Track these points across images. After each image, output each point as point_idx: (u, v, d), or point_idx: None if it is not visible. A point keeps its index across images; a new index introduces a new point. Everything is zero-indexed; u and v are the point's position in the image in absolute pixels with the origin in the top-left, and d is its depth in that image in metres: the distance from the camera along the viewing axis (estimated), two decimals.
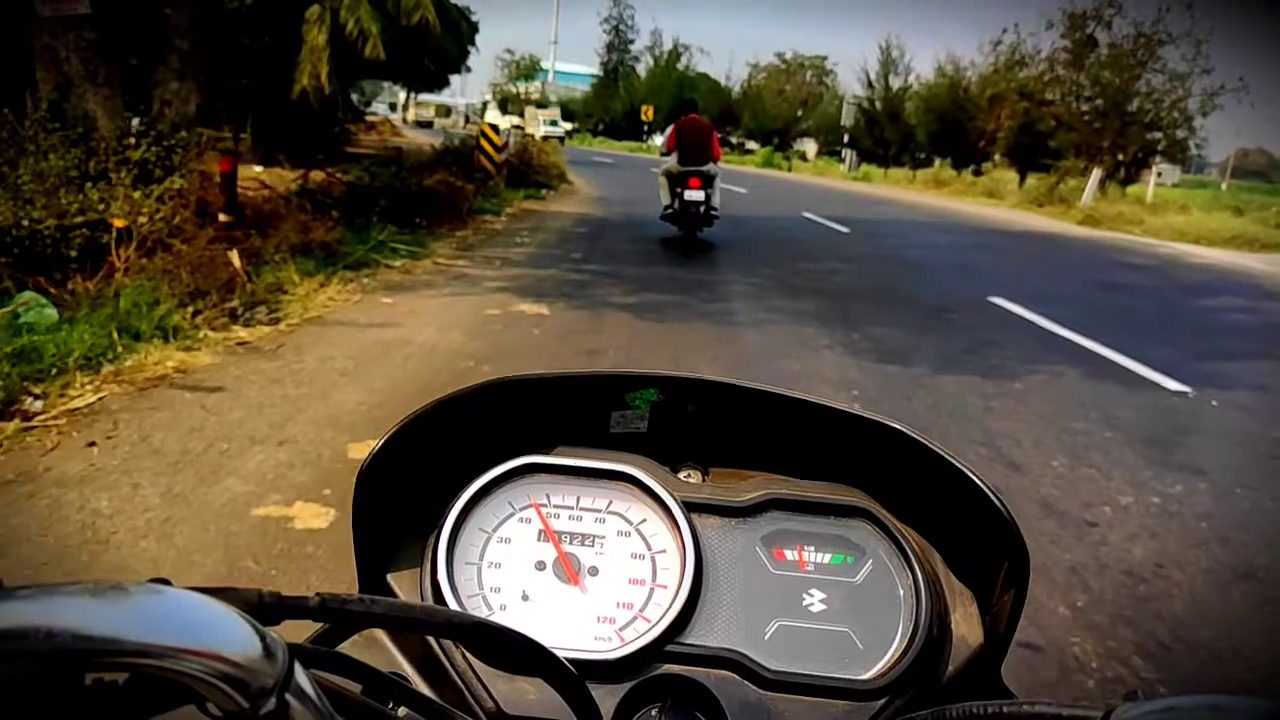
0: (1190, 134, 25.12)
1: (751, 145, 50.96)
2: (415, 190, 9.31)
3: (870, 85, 35.75)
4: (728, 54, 57.64)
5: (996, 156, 31.78)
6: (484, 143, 14.87)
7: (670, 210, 9.39)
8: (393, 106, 64.09)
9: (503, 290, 6.33)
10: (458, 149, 14.49)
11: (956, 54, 31.18)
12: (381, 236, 7.37)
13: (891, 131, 34.74)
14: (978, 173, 30.01)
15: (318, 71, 16.69)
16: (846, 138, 36.08)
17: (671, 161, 9.19)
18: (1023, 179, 27.96)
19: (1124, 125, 24.70)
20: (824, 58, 50.39)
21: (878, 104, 35.29)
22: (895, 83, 35.16)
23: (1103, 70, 25.64)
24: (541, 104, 57.23)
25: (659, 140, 10.57)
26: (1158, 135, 25.18)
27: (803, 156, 45.60)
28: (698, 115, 9.34)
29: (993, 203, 23.28)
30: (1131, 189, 25.62)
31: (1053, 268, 10.64)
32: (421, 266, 7.10)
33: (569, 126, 48.15)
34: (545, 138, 44.01)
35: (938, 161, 33.79)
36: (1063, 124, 26.51)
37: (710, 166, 9.12)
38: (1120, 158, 23.96)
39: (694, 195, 9.02)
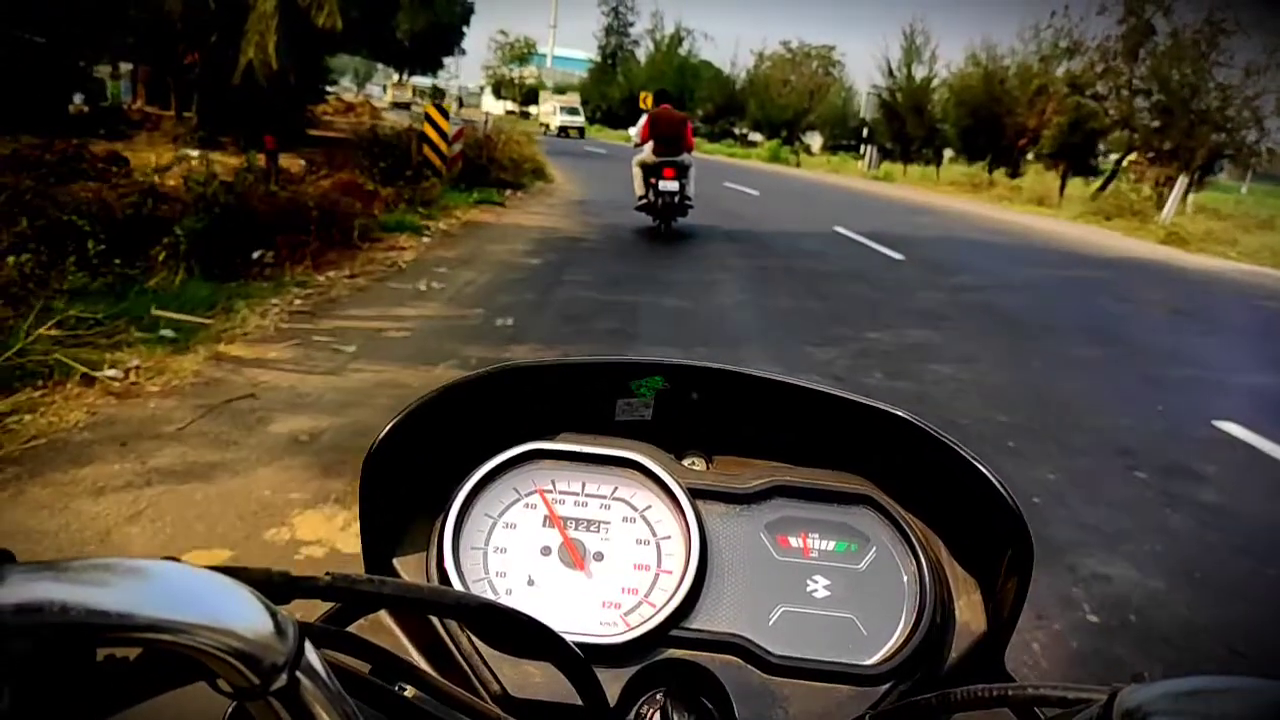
0: (1262, 135, 21.86)
1: (755, 137, 47.76)
2: (273, 205, 5.99)
3: (891, 74, 32.37)
4: (733, 40, 54.70)
5: (1029, 156, 28.58)
6: (429, 129, 11.54)
7: (645, 201, 9.34)
8: (386, 90, 61.17)
9: (277, 461, 2.97)
10: (388, 139, 11.18)
11: (992, 40, 27.85)
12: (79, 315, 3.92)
13: (914, 125, 31.38)
14: (1013, 174, 26.69)
15: (265, 43, 13.64)
16: (866, 132, 32.67)
17: (646, 152, 9.06)
18: (1064, 183, 24.71)
19: (1191, 125, 21.40)
20: (831, 48, 47.11)
21: (898, 95, 31.92)
22: (919, 72, 31.81)
23: (1164, 61, 22.35)
24: (559, 89, 53.64)
25: (633, 131, 10.11)
26: (1223, 137, 21.87)
27: (807, 150, 42.26)
28: (671, 105, 9.21)
29: (1046, 212, 19.95)
30: (1193, 197, 22.29)
31: (1239, 335, 7.36)
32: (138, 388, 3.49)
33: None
34: (562, 130, 40.95)
35: (968, 161, 30.54)
36: (1118, 121, 23.25)
37: (685, 156, 9.01)
38: (1190, 161, 20.66)
39: (668, 185, 8.94)
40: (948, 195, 23.94)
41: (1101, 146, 24.85)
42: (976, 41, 32.34)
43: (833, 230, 11.98)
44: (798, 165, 34.80)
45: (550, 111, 43.24)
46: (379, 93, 59.06)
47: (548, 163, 18.55)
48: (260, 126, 12.97)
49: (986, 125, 26.43)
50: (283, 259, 5.52)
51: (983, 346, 5.72)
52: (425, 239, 7.68)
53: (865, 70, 77.74)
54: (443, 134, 11.58)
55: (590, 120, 53.01)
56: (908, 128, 31.83)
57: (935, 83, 31.27)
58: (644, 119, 9.18)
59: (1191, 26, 22.19)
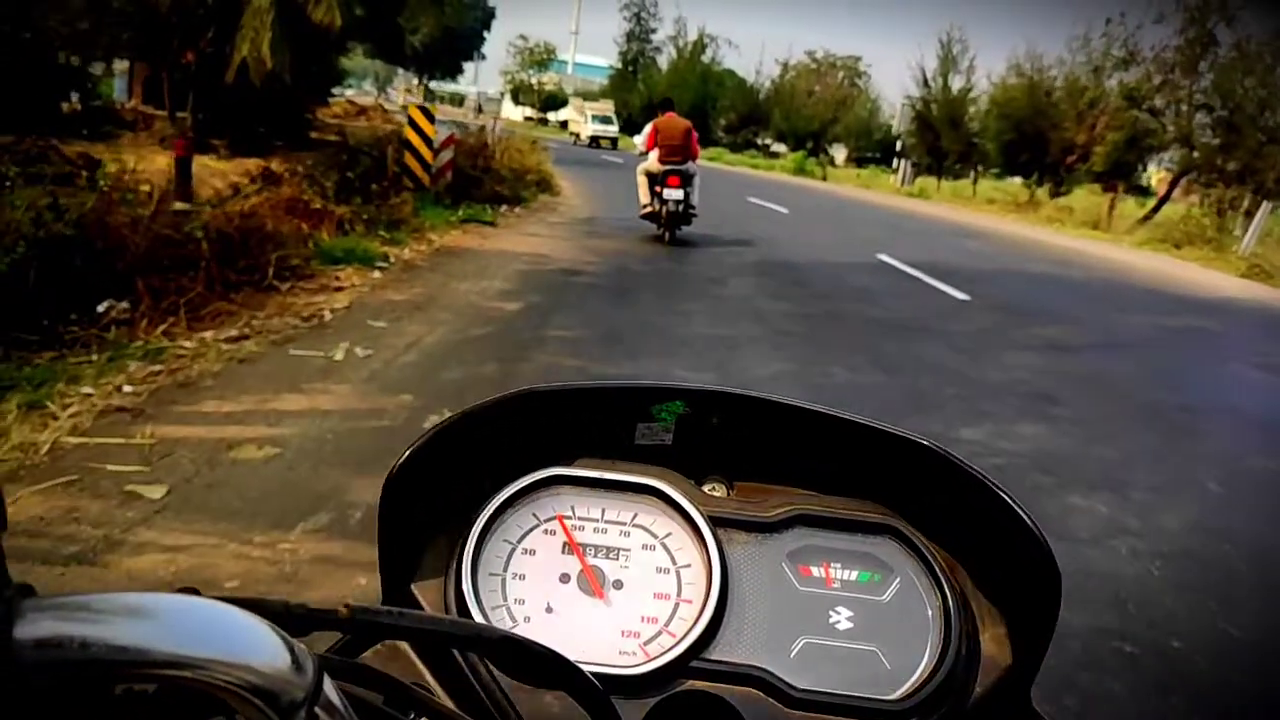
0: None
1: (778, 148, 46.13)
2: (150, 235, 4.38)
3: (926, 84, 30.62)
4: (758, 48, 53.11)
5: (1075, 174, 26.71)
6: (411, 135, 9.98)
7: (649, 209, 9.27)
8: (428, 93, 60.25)
9: None
10: (362, 145, 9.66)
11: (1036, 49, 25.94)
12: None
13: (950, 139, 29.61)
14: (1057, 193, 24.85)
15: (259, 40, 12.22)
16: (899, 145, 30.92)
17: (651, 160, 8.99)
18: (1113, 204, 22.89)
19: (1260, 144, 19.55)
20: (858, 58, 45.52)
21: (933, 107, 30.17)
22: (956, 83, 30.06)
23: (1228, 74, 20.53)
24: (580, 96, 51.93)
25: (639, 139, 10.34)
26: None
27: (831, 162, 40.51)
28: (675, 113, 9.14)
29: (1103, 237, 18.13)
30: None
31: None
32: None
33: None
34: (594, 140, 37.98)
35: (1008, 177, 28.75)
36: (1176, 139, 21.40)
37: (689, 165, 8.94)
38: (1261, 184, 18.80)
39: (673, 194, 8.87)
40: (990, 215, 22.17)
41: (1149, 165, 22.96)
42: (1019, 51, 30.61)
43: (877, 259, 10.30)
44: (823, 178, 33.06)
45: (581, 120, 41.12)
46: (395, 96, 58.06)
47: (555, 173, 17.01)
48: (256, 128, 11.93)
49: (1031, 140, 24.61)
50: (143, 313, 3.92)
51: (1125, 454, 4.03)
52: (377, 273, 6.08)
53: (892, 81, 76.13)
54: (427, 140, 10.01)
55: None
56: (942, 141, 30.05)
57: (973, 94, 29.57)
58: (649, 127, 9.16)
59: (1257, 38, 20.45)
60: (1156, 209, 21.67)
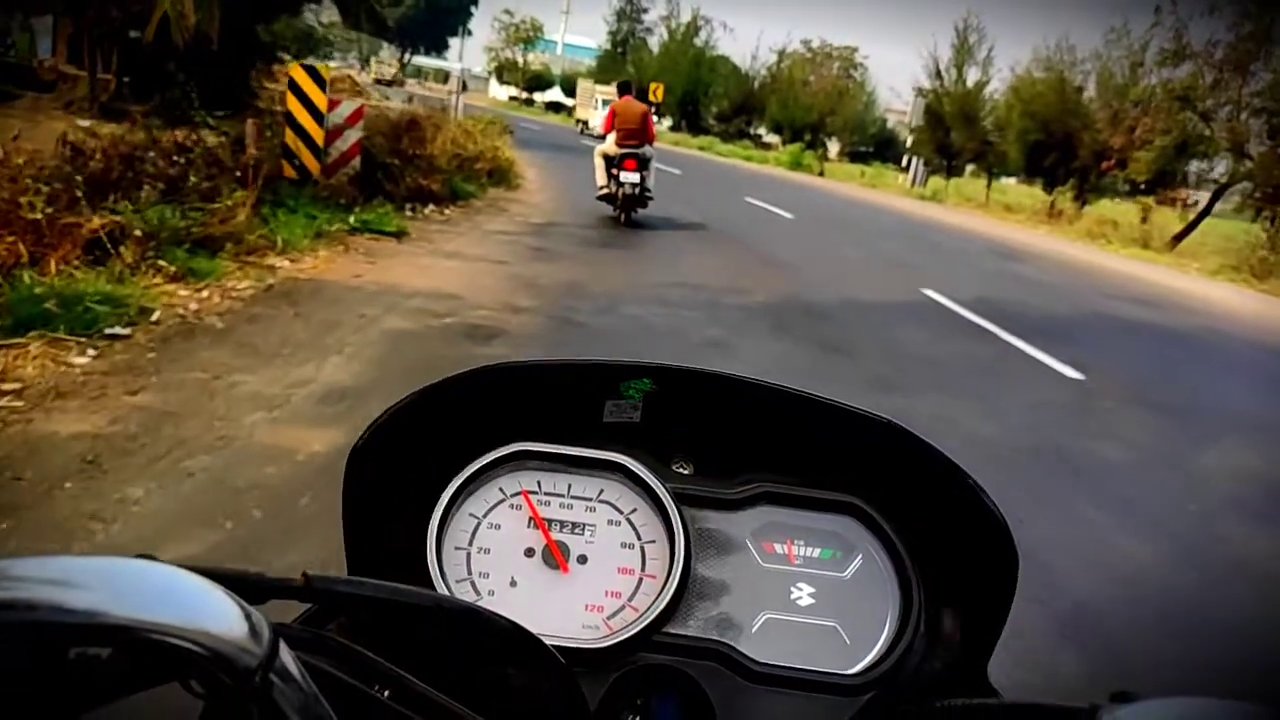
0: None
1: (770, 139, 43.47)
2: None
3: (938, 76, 27.97)
4: (755, 34, 50.04)
5: (1104, 180, 24.19)
6: (294, 105, 7.18)
7: (605, 191, 9.30)
8: (402, 67, 57.06)
9: None
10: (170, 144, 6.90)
11: (1066, 41, 23.26)
12: None
13: (962, 136, 27.05)
14: (1082, 199, 22.30)
15: None
16: (910, 141, 28.25)
17: (608, 143, 9.08)
18: (1146, 216, 20.40)
19: None
20: (854, 49, 42.92)
21: (945, 101, 27.56)
22: (971, 76, 27.44)
23: None
24: (566, 78, 48.36)
25: (596, 122, 10.91)
26: None
27: (825, 156, 37.71)
28: (633, 97, 9.28)
29: (1163, 260, 15.54)
30: None
31: None
32: None
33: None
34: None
35: (1024, 180, 26.18)
36: (1229, 146, 18.86)
37: (646, 149, 9.01)
38: None
39: (629, 177, 8.90)
40: (1017, 226, 19.58)
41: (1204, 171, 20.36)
42: (1049, 42, 28.01)
43: (923, 296, 7.64)
44: (820, 174, 30.34)
45: (591, 105, 37.57)
46: (377, 70, 54.85)
47: (522, 161, 14.20)
48: (187, 94, 9.91)
49: (1059, 142, 22.02)
50: None
51: None
52: (79, 360, 3.26)
53: (890, 74, 73.08)
54: (316, 114, 7.21)
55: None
56: (953, 138, 27.47)
57: (990, 87, 26.96)
58: (607, 110, 9.33)
59: None
60: (1195, 224, 19.19)
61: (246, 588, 0.34)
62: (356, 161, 7.78)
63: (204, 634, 0.27)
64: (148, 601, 0.27)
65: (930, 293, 7.83)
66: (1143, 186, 19.86)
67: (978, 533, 0.61)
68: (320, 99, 7.21)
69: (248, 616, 0.29)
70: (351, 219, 6.62)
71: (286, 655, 0.30)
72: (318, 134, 7.24)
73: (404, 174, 8.35)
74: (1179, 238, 18.18)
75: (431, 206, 8.43)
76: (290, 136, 7.20)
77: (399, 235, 6.75)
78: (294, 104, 7.18)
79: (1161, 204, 21.19)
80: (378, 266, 5.62)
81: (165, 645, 0.27)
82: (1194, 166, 20.46)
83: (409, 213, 8.03)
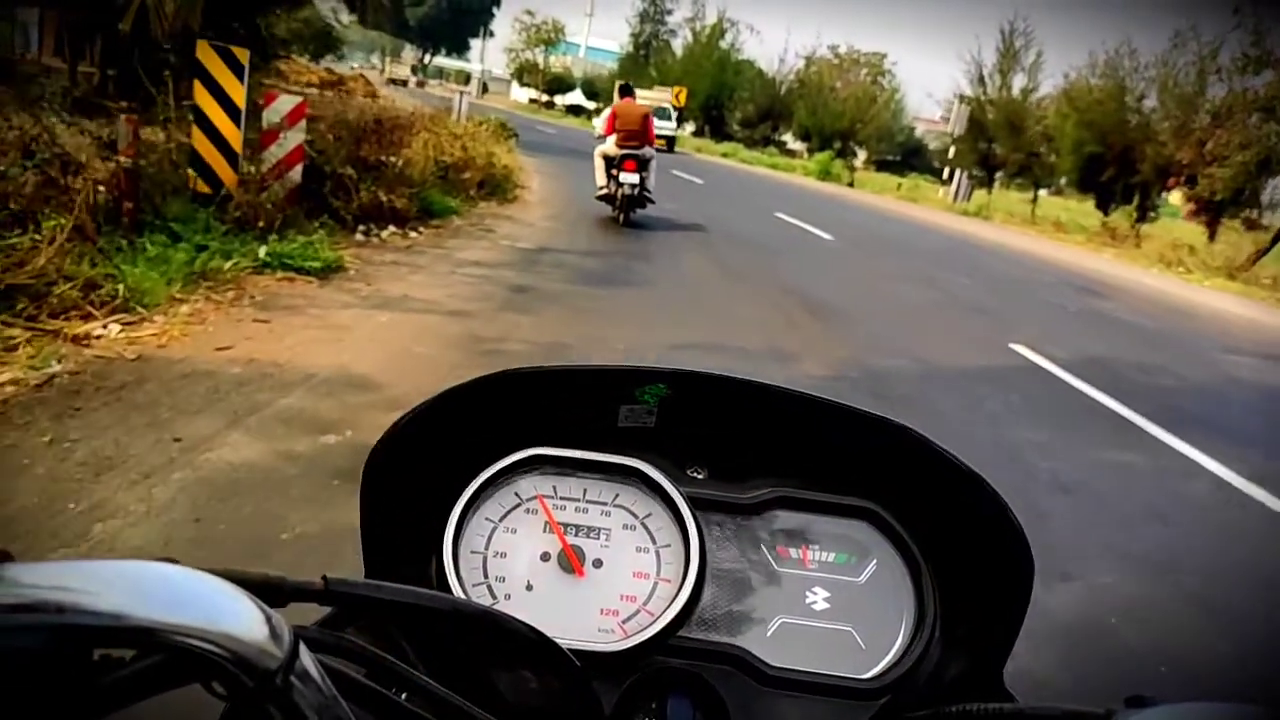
0: None
1: (794, 146, 41.64)
2: None
3: (982, 82, 26.07)
4: (782, 37, 48.52)
5: (1169, 198, 22.23)
6: (204, 99, 5.51)
7: (605, 191, 9.33)
8: (414, 69, 56.23)
9: None
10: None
11: (1127, 46, 21.25)
12: None
13: (1006, 147, 25.15)
14: (1141, 218, 20.30)
15: None
16: (952, 152, 26.34)
17: (609, 144, 9.08)
18: (1213, 234, 18.44)
19: None
20: (883, 55, 41.01)
21: (988, 110, 25.66)
22: (1017, 82, 25.52)
23: None
24: (587, 81, 46.35)
25: (597, 123, 9.93)
26: None
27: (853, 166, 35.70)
28: (634, 99, 9.34)
29: (1261, 294, 13.58)
30: None
31: None
32: None
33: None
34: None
35: (1079, 195, 24.22)
36: None
37: (646, 150, 8.98)
38: None
39: (629, 178, 8.88)
40: (1076, 248, 17.65)
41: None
42: (1106, 46, 25.98)
43: (1016, 356, 5.86)
44: (850, 184, 28.44)
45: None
46: (407, 73, 53.60)
47: (525, 168, 12.54)
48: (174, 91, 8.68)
49: (1119, 155, 20.07)
50: None
51: None
52: None
53: (919, 81, 70.94)
54: (232, 109, 5.52)
55: None
56: (997, 149, 25.55)
57: (1038, 94, 25.00)
58: (608, 112, 9.50)
59: None
60: (1270, 246, 17.18)
61: (267, 591, 0.34)
62: (298, 171, 6.12)
63: (225, 636, 0.28)
64: (170, 604, 0.28)
65: (1022, 349, 6.05)
66: (1215, 204, 17.85)
67: (993, 538, 0.60)
68: (237, 90, 5.53)
69: (268, 619, 0.30)
70: (262, 251, 4.92)
71: (306, 657, 0.30)
72: (234, 135, 5.56)
73: (358, 186, 6.68)
74: (1255, 260, 16.23)
75: (391, 229, 6.74)
76: (199, 138, 5.52)
77: (326, 273, 5.04)
78: (202, 95, 5.50)
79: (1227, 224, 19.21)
80: (269, 328, 3.92)
81: (187, 647, 0.27)
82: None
83: (360, 237, 6.35)
